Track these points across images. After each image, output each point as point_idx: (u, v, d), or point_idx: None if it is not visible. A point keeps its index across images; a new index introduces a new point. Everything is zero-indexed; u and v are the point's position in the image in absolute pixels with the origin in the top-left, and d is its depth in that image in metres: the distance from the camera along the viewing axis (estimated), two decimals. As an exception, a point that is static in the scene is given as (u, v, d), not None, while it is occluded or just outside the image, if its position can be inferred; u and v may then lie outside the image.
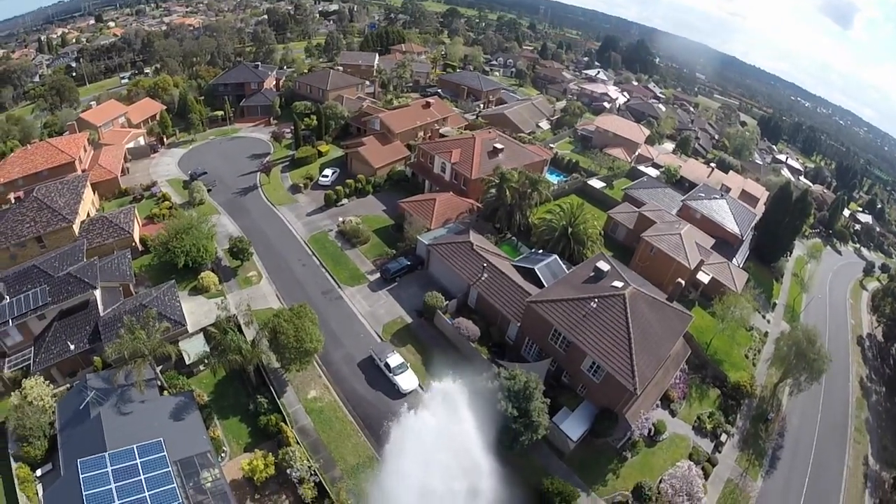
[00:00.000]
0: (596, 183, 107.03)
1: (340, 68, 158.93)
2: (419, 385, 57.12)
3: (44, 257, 66.71)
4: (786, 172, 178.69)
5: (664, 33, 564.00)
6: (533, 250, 77.67)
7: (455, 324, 62.55)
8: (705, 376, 67.81)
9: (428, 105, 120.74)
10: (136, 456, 44.24)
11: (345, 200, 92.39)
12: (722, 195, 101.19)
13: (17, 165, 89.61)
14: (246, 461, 48.40)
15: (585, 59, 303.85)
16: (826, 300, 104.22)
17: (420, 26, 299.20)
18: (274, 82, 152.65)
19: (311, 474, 47.85)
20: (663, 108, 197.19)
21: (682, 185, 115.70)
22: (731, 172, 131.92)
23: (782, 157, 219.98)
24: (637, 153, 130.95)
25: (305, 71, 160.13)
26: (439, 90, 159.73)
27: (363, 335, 64.74)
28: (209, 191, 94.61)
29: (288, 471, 47.35)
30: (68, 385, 55.42)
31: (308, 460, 48.59)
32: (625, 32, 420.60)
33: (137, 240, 77.81)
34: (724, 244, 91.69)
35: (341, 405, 56.41)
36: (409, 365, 59.15)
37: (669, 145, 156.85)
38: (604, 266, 60.57)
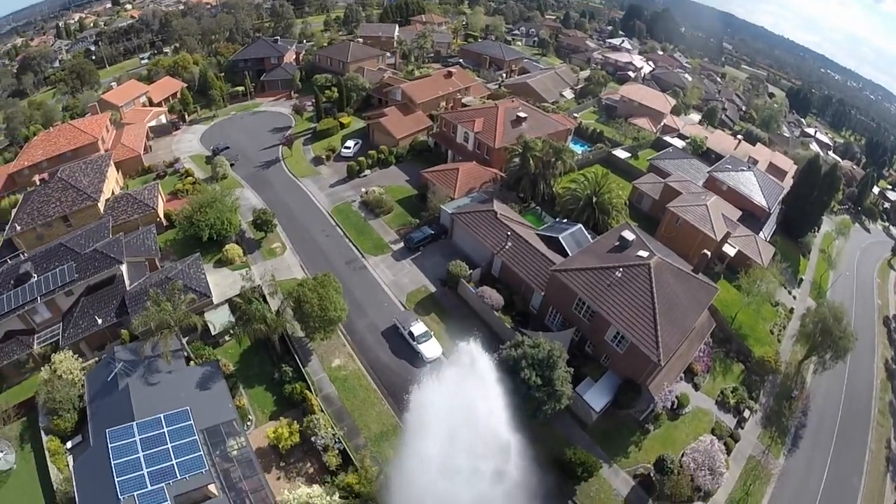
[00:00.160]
0: (621, 153, 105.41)
1: (360, 40, 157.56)
2: (442, 353, 57.29)
3: (70, 235, 67.86)
4: (814, 146, 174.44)
5: (690, 2, 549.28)
6: (557, 219, 77.08)
7: (479, 292, 62.54)
8: (729, 350, 67.16)
9: (450, 75, 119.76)
10: (164, 425, 45.25)
11: (367, 171, 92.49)
12: (749, 167, 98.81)
13: (40, 148, 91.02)
14: (271, 429, 49.25)
15: (609, 28, 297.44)
16: (853, 278, 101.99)
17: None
18: (294, 56, 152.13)
19: (336, 442, 48.51)
20: (689, 78, 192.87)
21: (709, 156, 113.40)
22: (758, 145, 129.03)
23: (811, 131, 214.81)
24: (662, 123, 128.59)
25: (325, 44, 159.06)
26: (461, 60, 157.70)
27: (387, 304, 65.11)
28: (232, 165, 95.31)
29: (312, 438, 48.04)
30: (97, 358, 56.64)
31: (332, 428, 49.22)
32: (649, 1, 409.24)
33: (162, 215, 78.91)
34: (751, 217, 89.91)
35: (365, 373, 56.97)
36: (432, 333, 59.41)
37: (696, 116, 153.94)
38: (629, 235, 59.86)
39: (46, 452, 48.48)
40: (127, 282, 62.80)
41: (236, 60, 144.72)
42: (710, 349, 65.34)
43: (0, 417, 50.89)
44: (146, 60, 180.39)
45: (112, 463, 41.43)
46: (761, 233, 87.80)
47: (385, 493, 40.18)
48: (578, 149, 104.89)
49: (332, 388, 55.30)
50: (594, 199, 75.39)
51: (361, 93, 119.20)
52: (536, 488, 42.94)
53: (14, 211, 76.22)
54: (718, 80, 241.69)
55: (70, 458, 47.60)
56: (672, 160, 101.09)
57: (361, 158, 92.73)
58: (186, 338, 57.14)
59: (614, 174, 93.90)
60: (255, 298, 54.98)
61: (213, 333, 59.07)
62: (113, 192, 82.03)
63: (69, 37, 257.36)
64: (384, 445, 49.81)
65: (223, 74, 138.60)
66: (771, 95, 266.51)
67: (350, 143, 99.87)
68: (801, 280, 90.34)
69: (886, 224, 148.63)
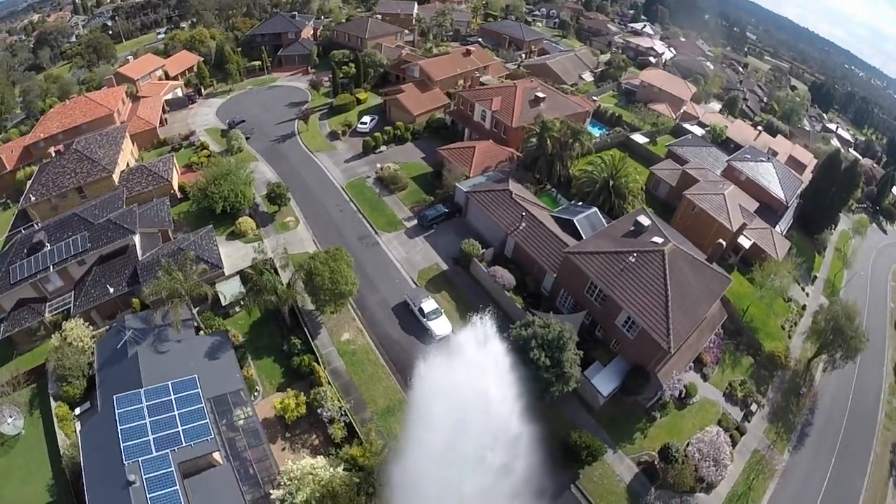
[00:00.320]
0: (639, 138, 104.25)
1: (379, 17, 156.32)
2: (452, 331, 57.02)
3: (84, 206, 68.09)
4: (835, 142, 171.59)
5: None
6: (572, 202, 76.39)
7: (491, 272, 62.28)
8: (739, 343, 66.54)
9: (468, 53, 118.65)
10: (171, 392, 45.64)
11: (383, 147, 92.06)
12: (769, 158, 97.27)
13: (56, 120, 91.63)
14: (278, 400, 49.54)
15: (631, 12, 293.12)
16: (867, 279, 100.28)
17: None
18: (311, 32, 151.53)
19: (342, 415, 48.65)
20: (711, 67, 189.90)
21: (728, 146, 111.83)
22: (778, 136, 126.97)
23: (832, 127, 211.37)
24: (682, 110, 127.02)
25: (343, 20, 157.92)
26: (480, 39, 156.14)
27: (398, 280, 65.12)
28: (247, 139, 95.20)
29: (319, 410, 48.30)
30: (107, 327, 57.03)
31: (339, 401, 49.40)
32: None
33: (176, 187, 79.11)
34: (768, 209, 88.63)
35: (374, 348, 57.12)
36: (443, 311, 59.30)
37: (716, 105, 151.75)
38: (644, 221, 59.20)
39: (54, 418, 49.10)
40: (139, 252, 63.16)
41: (253, 35, 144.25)
42: (721, 340, 64.80)
43: (10, 383, 51.54)
44: (163, 35, 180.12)
45: (118, 428, 41.83)
46: (778, 226, 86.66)
47: (389, 468, 40.01)
48: (596, 132, 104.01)
49: (340, 362, 55.45)
50: (611, 183, 74.57)
51: (379, 69, 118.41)
52: (540, 472, 42.62)
53: (29, 182, 76.60)
54: (740, 69, 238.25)
55: (77, 424, 47.96)
56: (691, 147, 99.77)
57: (377, 134, 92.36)
58: (197, 308, 57.32)
59: (632, 159, 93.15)
60: (267, 270, 55.02)
61: (223, 304, 59.35)
62: (128, 164, 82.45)
63: (86, 12, 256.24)
64: (390, 420, 49.91)
65: (240, 49, 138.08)
66: (793, 88, 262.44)
67: (366, 118, 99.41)
68: (815, 277, 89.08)
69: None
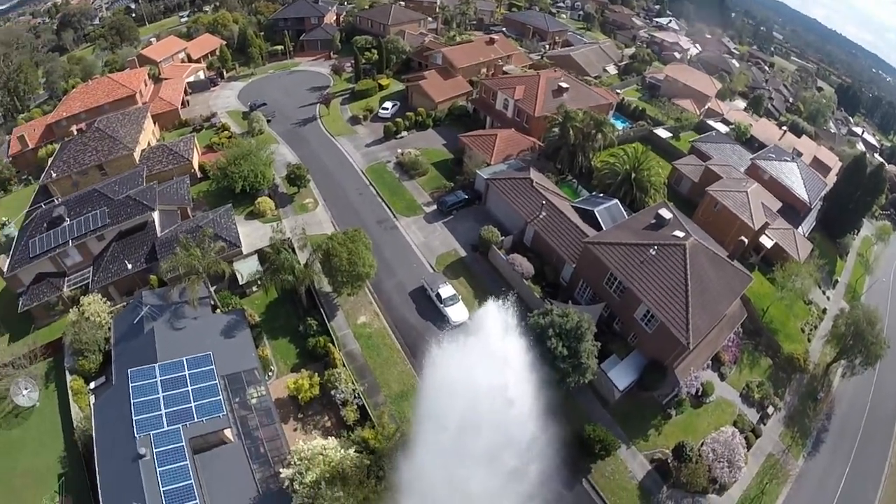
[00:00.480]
0: (662, 132, 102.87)
1: (402, 4, 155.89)
2: (469, 318, 56.30)
3: (104, 182, 68.36)
4: (860, 146, 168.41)
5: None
6: (593, 193, 75.67)
7: (510, 260, 61.61)
8: (758, 343, 65.35)
9: (492, 41, 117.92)
10: (185, 368, 45.73)
11: (404, 133, 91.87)
12: (793, 158, 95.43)
13: (78, 100, 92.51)
14: (291, 380, 49.53)
15: (657, 6, 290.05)
16: (889, 286, 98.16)
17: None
18: (334, 17, 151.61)
19: (355, 397, 48.48)
20: (737, 64, 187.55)
21: (752, 144, 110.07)
22: (803, 137, 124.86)
23: (858, 130, 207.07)
24: (707, 107, 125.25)
25: (366, 6, 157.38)
26: (504, 29, 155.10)
27: (416, 265, 64.92)
28: (268, 121, 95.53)
29: (332, 392, 48.13)
30: (124, 303, 57.19)
31: (353, 383, 49.26)
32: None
33: (196, 167, 79.71)
34: (791, 210, 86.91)
35: (390, 332, 56.96)
36: (460, 297, 58.84)
37: (741, 103, 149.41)
38: (666, 214, 58.54)
39: (69, 391, 49.48)
40: (158, 229, 63.39)
41: (276, 19, 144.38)
42: (740, 340, 63.71)
43: (27, 356, 51.94)
44: (186, 18, 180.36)
45: (131, 402, 41.98)
46: (800, 227, 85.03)
47: (401, 452, 39.67)
48: (619, 125, 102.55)
49: (355, 345, 55.34)
50: (633, 176, 73.58)
51: (401, 56, 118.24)
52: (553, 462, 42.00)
53: (51, 159, 77.44)
54: (766, 68, 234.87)
55: (92, 398, 48.18)
56: (714, 144, 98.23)
57: (399, 120, 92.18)
58: (214, 286, 57.49)
59: (654, 153, 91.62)
60: (285, 249, 54.79)
61: (240, 283, 59.38)
62: (149, 144, 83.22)
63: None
64: (403, 405, 49.68)
65: (262, 33, 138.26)
66: (819, 90, 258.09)
67: (388, 104, 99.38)
68: (837, 281, 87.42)
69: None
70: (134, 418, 40.83)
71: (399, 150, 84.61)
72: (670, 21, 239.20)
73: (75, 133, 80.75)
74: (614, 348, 54.06)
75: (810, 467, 56.80)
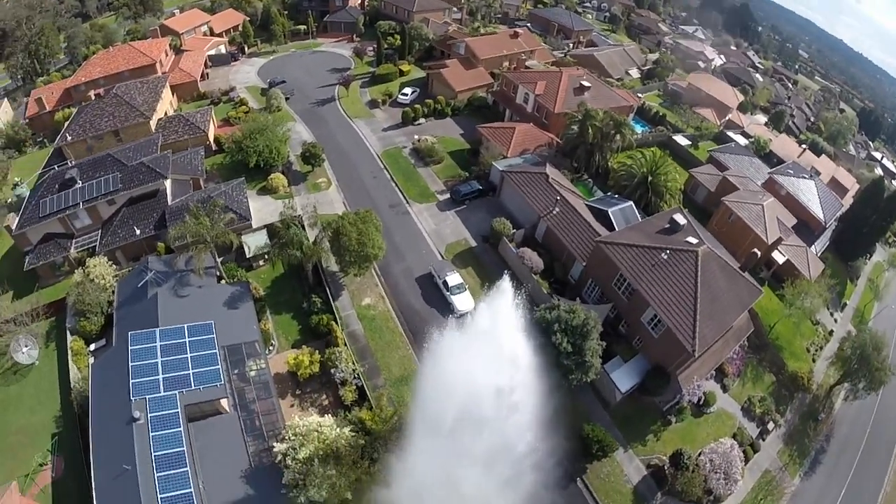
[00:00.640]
0: (681, 140, 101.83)
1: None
2: (475, 308, 55.79)
3: (119, 147, 68.59)
4: (878, 171, 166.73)
5: (772, 2, 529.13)
6: (608, 194, 75.01)
7: (519, 253, 61.21)
8: (763, 358, 64.61)
9: (516, 35, 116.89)
10: (186, 335, 45.51)
11: (422, 120, 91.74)
12: (812, 176, 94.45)
13: (98, 66, 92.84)
14: (292, 356, 49.33)
15: (684, 14, 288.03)
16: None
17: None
18: (359, 0, 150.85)
19: (355, 378, 48.21)
20: (760, 79, 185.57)
21: (770, 159, 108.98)
22: (823, 156, 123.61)
23: (878, 155, 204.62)
24: (727, 118, 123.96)
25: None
26: (528, 24, 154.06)
27: (425, 252, 64.72)
28: (287, 99, 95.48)
29: (332, 370, 47.89)
30: (130, 269, 57.18)
31: (353, 364, 49.04)
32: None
33: (212, 139, 79.80)
34: (805, 228, 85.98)
35: (394, 316, 56.80)
36: (467, 286, 58.47)
37: (761, 118, 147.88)
38: (680, 220, 57.87)
39: (69, 352, 49.60)
40: (169, 197, 63.44)
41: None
42: (745, 353, 63.09)
43: (29, 314, 51.88)
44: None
45: (129, 365, 41.77)
46: (813, 246, 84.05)
47: (397, 436, 39.32)
48: (638, 128, 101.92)
49: (358, 326, 55.23)
50: (649, 179, 72.82)
51: (424, 43, 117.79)
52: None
53: (67, 123, 77.43)
54: (790, 85, 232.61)
55: (91, 360, 48.17)
56: (733, 155, 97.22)
57: (417, 106, 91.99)
58: (221, 258, 57.48)
59: (671, 159, 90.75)
60: (295, 224, 54.53)
61: (247, 256, 59.28)
62: (166, 113, 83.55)
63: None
64: (403, 389, 49.39)
65: (286, 12, 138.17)
66: (841, 111, 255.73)
67: (408, 90, 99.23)
68: (845, 304, 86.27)
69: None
70: (131, 381, 40.64)
71: (416, 137, 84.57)
72: (696, 30, 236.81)
73: (93, 98, 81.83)
74: (619, 350, 53.61)
75: (806, 487, 56.07)
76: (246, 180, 68.66)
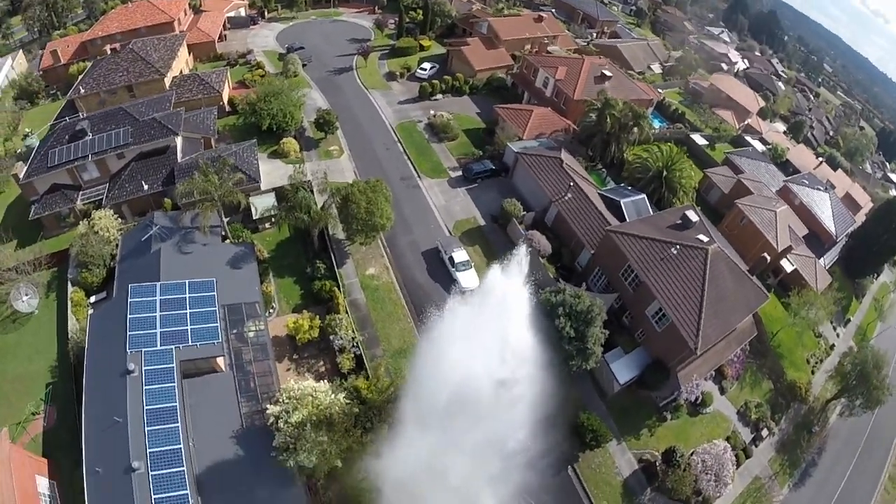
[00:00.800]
0: (698, 139, 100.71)
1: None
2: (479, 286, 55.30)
3: (131, 102, 68.30)
4: (894, 192, 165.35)
5: (799, 13, 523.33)
6: (622, 185, 74.30)
7: (528, 235, 60.65)
8: (763, 365, 64.08)
9: (540, 19, 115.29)
10: (187, 290, 45.13)
11: (439, 95, 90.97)
12: (826, 188, 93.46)
13: (116, 21, 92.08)
14: (292, 319, 48.98)
15: (710, 15, 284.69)
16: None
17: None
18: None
19: (353, 346, 47.87)
20: (782, 87, 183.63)
21: (786, 168, 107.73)
22: (839, 171, 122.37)
23: (894, 177, 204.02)
24: (746, 122, 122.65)
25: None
26: (553, 10, 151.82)
27: (433, 227, 64.46)
28: (304, 65, 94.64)
29: (331, 337, 47.64)
30: (135, 224, 56.84)
31: (353, 332, 48.73)
32: (756, 0, 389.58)
33: (226, 100, 79.22)
34: (816, 240, 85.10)
35: (397, 288, 56.51)
36: (473, 264, 58.06)
37: (780, 125, 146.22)
38: (693, 216, 57.49)
39: (69, 303, 49.41)
40: (179, 154, 63.18)
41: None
42: (745, 357, 62.62)
43: (31, 263, 51.70)
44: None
45: (127, 317, 41.46)
46: (822, 259, 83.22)
47: (393, 407, 38.88)
48: (657, 123, 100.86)
49: (361, 295, 54.98)
50: (664, 174, 72.00)
51: (447, 19, 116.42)
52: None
53: (81, 76, 77.15)
54: (811, 97, 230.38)
55: (90, 311, 47.58)
56: (749, 160, 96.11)
57: (435, 82, 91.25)
58: (228, 218, 57.09)
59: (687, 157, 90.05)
60: (304, 188, 54.03)
61: (254, 217, 59.02)
62: (181, 72, 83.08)
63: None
64: (401, 362, 49.05)
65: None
66: (861, 129, 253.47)
67: (427, 65, 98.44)
68: (849, 320, 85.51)
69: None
70: (128, 333, 40.39)
71: (432, 112, 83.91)
72: (722, 32, 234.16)
73: (109, 53, 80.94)
74: (620, 341, 53.17)
75: (794, 498, 55.78)
76: (257, 143, 68.15)
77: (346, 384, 42.87)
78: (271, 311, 51.10)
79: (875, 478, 64.00)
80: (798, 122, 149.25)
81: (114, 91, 74.34)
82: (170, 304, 43.61)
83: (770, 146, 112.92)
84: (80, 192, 60.25)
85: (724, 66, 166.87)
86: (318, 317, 49.09)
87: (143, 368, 38.63)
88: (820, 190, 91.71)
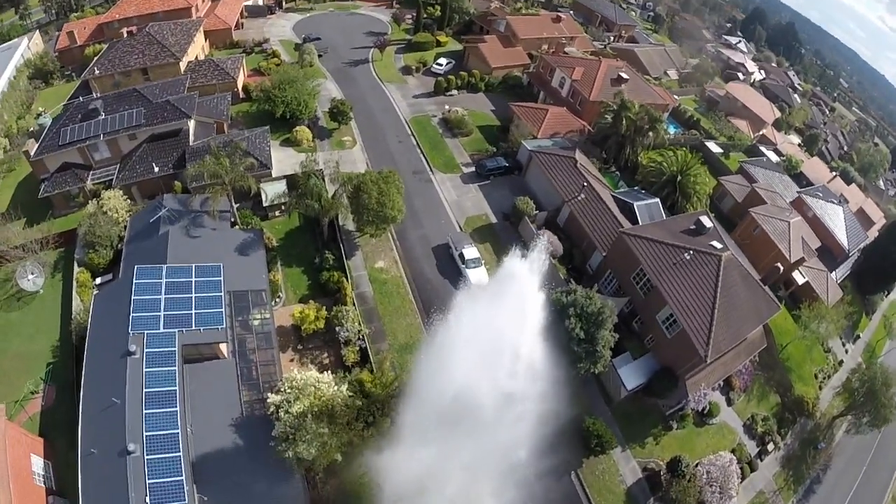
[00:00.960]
0: (713, 147, 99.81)
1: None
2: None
3: (145, 84, 68.33)
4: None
5: (817, 27, 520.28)
6: (635, 189, 73.60)
7: (539, 234, 59.77)
8: (771, 378, 63.09)
9: (558, 19, 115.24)
10: (193, 274, 44.57)
11: (455, 91, 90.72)
12: (840, 202, 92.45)
13: (133, 4, 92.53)
14: (298, 309, 48.39)
15: (728, 24, 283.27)
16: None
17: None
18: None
19: (359, 339, 47.28)
20: (798, 99, 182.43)
21: (800, 180, 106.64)
22: (852, 186, 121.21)
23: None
24: (761, 132, 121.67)
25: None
26: (571, 11, 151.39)
27: (444, 222, 63.99)
28: (320, 56, 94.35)
29: (337, 329, 46.87)
30: (145, 206, 56.48)
31: (359, 324, 48.03)
32: (774, 12, 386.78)
33: (240, 87, 79.17)
34: (828, 254, 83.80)
35: (406, 282, 56.00)
36: (483, 261, 57.37)
37: (795, 138, 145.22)
38: (707, 222, 56.37)
39: (74, 283, 49.08)
40: (191, 137, 62.94)
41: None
42: (754, 369, 61.53)
43: (38, 242, 51.39)
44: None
45: (132, 298, 40.92)
46: (834, 273, 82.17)
47: (397, 402, 38.21)
48: (672, 129, 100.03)
49: (369, 288, 54.54)
50: (679, 179, 71.21)
51: (465, 16, 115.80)
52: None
53: (97, 58, 77.41)
54: (826, 111, 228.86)
55: (95, 293, 47.61)
56: (763, 170, 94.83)
57: (451, 77, 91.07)
58: (238, 204, 56.64)
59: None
60: (315, 175, 53.51)
61: (264, 204, 58.60)
62: (196, 58, 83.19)
63: None
64: (406, 357, 48.35)
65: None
66: (875, 145, 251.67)
67: (443, 60, 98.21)
68: (858, 337, 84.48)
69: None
70: (131, 315, 39.83)
71: (446, 107, 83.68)
72: (739, 41, 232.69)
73: (125, 35, 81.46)
74: (629, 347, 52.32)
75: (798, 515, 54.90)
76: (270, 131, 67.84)
77: (350, 377, 42.11)
78: (278, 299, 50.61)
79: (879, 498, 63.08)
80: (813, 134, 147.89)
81: (128, 73, 74.62)
82: (175, 287, 43.10)
83: (784, 157, 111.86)
84: (91, 172, 60.03)
85: (741, 76, 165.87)
86: (324, 308, 48.50)
87: (145, 350, 38.08)
88: (834, 203, 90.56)
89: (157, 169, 59.24)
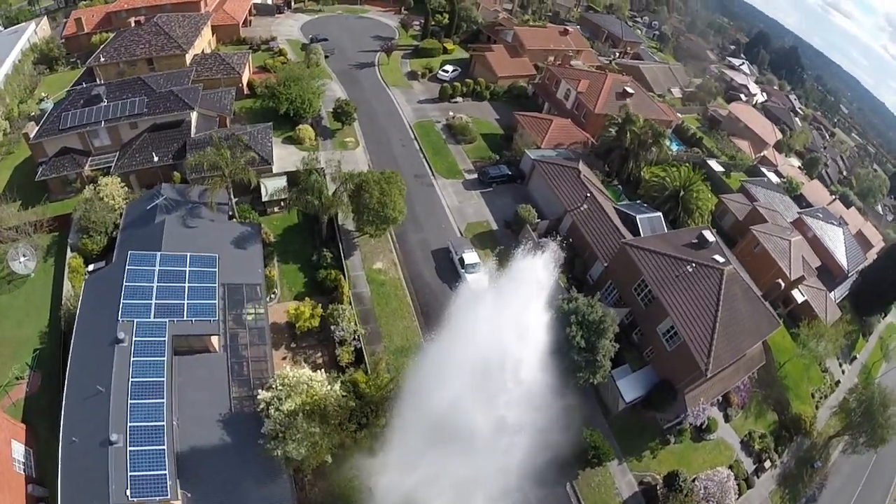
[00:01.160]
0: (715, 165, 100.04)
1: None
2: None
3: (150, 74, 68.10)
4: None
5: (819, 52, 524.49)
6: (638, 202, 73.43)
7: (540, 243, 59.03)
8: (768, 395, 62.55)
9: (566, 32, 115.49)
10: (187, 264, 43.76)
11: (460, 98, 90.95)
12: (840, 223, 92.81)
13: None
14: (293, 305, 47.73)
15: (732, 46, 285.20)
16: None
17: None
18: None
19: (354, 339, 46.56)
20: (799, 123, 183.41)
21: (800, 201, 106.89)
22: (852, 209, 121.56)
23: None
24: (763, 153, 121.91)
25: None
26: (578, 26, 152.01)
27: (445, 226, 63.87)
28: (326, 57, 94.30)
29: (332, 328, 46.23)
30: (142, 195, 55.84)
31: (355, 325, 47.33)
32: (778, 37, 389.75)
33: (245, 83, 79.01)
34: (828, 274, 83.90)
35: (404, 285, 55.62)
36: (482, 266, 56.64)
37: (795, 161, 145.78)
38: (709, 236, 56.28)
39: (66, 268, 48.41)
40: (193, 129, 62.60)
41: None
42: (752, 385, 61.08)
43: (32, 224, 50.96)
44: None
45: (123, 284, 40.06)
46: (832, 293, 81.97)
47: (392, 404, 37.24)
48: (674, 146, 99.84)
49: (366, 289, 54.10)
50: (681, 194, 71.05)
51: (472, 25, 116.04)
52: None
53: (103, 46, 77.13)
54: (827, 136, 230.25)
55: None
56: (764, 189, 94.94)
57: (457, 84, 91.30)
58: (237, 198, 56.22)
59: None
60: (316, 171, 52.93)
61: (263, 199, 58.19)
62: (203, 51, 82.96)
63: None
64: (402, 360, 47.51)
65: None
66: (874, 171, 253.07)
67: (449, 67, 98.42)
68: (855, 357, 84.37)
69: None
70: (121, 301, 38.96)
71: (451, 113, 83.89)
72: (743, 63, 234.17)
73: (133, 25, 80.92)
74: (628, 358, 51.89)
75: (792, 534, 54.17)
76: (273, 128, 67.64)
77: (344, 377, 41.24)
78: (273, 296, 49.99)
79: (873, 519, 62.61)
80: (813, 158, 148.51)
81: (134, 62, 74.55)
82: (168, 275, 42.33)
83: (785, 179, 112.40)
84: (90, 158, 59.78)
85: (743, 97, 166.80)
86: (320, 305, 47.85)
87: (134, 339, 37.26)
88: (834, 224, 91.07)
89: (156, 158, 58.90)
